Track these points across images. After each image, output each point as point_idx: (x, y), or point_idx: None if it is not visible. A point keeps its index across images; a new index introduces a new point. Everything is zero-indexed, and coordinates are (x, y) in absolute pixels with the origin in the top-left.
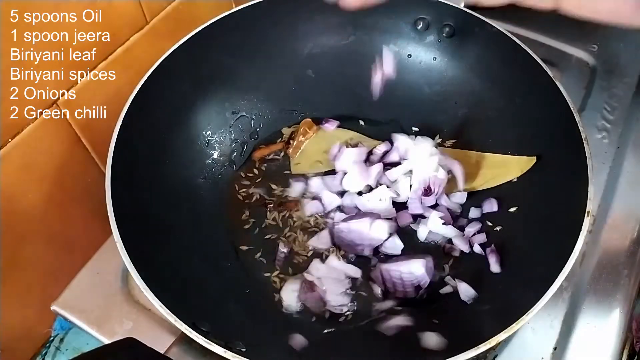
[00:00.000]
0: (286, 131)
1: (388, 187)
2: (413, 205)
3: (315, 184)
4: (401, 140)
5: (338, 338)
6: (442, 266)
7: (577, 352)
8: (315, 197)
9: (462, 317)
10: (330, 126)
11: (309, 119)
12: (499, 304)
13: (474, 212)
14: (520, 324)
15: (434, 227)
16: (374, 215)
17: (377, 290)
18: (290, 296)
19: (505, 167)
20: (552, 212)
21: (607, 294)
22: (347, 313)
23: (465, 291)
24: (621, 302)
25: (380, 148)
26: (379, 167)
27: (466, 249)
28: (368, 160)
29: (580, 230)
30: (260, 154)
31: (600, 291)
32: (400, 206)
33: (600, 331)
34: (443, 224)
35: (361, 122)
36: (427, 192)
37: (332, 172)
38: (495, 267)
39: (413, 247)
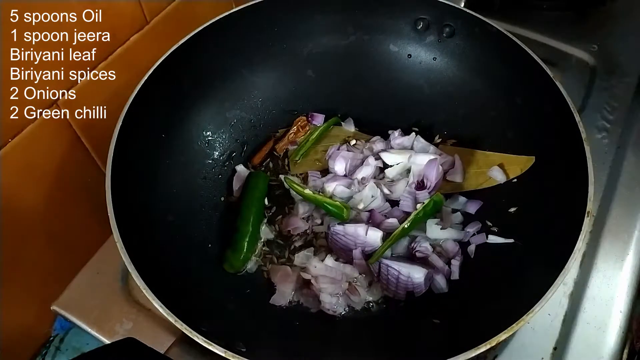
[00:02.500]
0: (281, 132)
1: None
2: (405, 202)
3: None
4: (398, 138)
5: (337, 337)
6: None
7: (577, 352)
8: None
9: (462, 317)
10: (317, 122)
11: (303, 117)
12: (499, 304)
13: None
14: (520, 324)
15: (433, 234)
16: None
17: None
18: (285, 287)
19: (504, 167)
20: (552, 212)
21: (607, 294)
22: (343, 314)
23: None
24: (621, 302)
25: (377, 145)
26: (373, 164)
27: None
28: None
29: (580, 230)
30: (259, 158)
31: (600, 291)
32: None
33: (600, 331)
34: (441, 228)
35: (361, 122)
36: (420, 186)
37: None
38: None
39: None
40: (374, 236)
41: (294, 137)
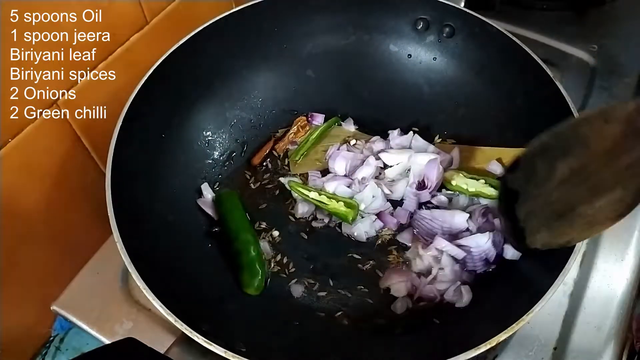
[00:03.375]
0: (281, 132)
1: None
2: (408, 202)
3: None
4: (397, 138)
5: (337, 337)
6: None
7: (577, 352)
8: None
9: (463, 317)
10: (317, 122)
11: (303, 117)
12: (499, 304)
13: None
14: (520, 324)
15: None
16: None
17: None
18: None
19: (502, 160)
20: None
21: (607, 293)
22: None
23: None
24: (621, 302)
25: (377, 145)
26: (373, 164)
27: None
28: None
29: None
30: (259, 158)
31: (600, 291)
32: (397, 204)
33: (600, 331)
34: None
35: (361, 122)
36: (422, 186)
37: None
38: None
39: None
40: (461, 219)
41: (294, 137)
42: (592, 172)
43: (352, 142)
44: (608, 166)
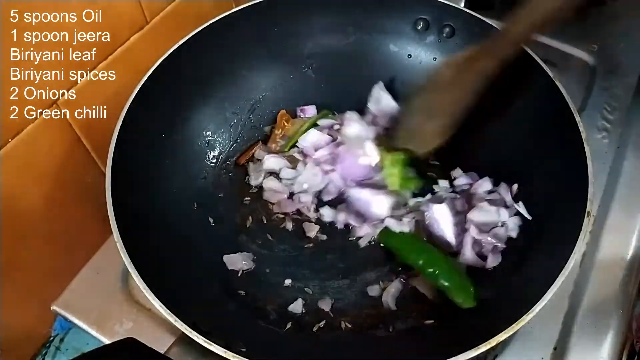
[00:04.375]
0: (267, 129)
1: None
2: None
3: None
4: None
5: (336, 337)
6: None
7: (577, 352)
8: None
9: (462, 317)
10: (309, 114)
11: (284, 110)
12: (500, 304)
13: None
14: (520, 324)
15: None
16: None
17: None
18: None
19: None
20: (552, 213)
21: (607, 294)
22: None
23: None
24: (621, 302)
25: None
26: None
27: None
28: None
29: (580, 230)
30: (244, 159)
31: (600, 291)
32: None
33: (600, 331)
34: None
35: None
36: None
37: None
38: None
39: None
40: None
41: (282, 132)
42: (430, 104)
43: (336, 127)
44: (440, 100)
